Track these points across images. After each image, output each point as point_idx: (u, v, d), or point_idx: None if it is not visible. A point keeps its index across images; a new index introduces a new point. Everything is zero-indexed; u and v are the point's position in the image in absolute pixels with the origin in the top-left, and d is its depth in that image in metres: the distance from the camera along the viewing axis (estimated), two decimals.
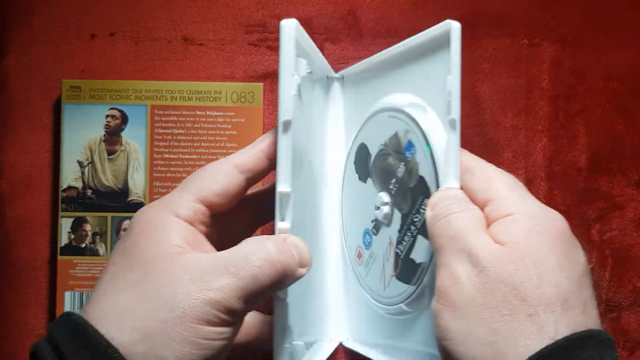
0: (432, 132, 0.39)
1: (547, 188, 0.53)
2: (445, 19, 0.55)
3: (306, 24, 0.55)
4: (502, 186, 0.35)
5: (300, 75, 0.38)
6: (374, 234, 0.46)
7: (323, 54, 0.55)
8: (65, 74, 0.54)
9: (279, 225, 0.37)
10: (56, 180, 0.53)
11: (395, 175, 0.43)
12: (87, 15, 0.55)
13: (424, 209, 0.38)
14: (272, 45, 0.55)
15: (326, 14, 0.55)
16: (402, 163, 0.43)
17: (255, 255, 0.34)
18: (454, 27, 0.38)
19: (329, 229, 0.52)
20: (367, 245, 0.47)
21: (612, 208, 0.53)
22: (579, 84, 0.54)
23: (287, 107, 0.37)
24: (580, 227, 0.53)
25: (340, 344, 0.52)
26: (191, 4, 0.55)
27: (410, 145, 0.42)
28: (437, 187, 0.38)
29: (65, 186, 0.52)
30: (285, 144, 0.37)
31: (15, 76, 0.54)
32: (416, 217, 0.41)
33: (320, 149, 0.51)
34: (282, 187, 0.37)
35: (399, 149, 0.43)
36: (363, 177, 0.48)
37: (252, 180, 0.39)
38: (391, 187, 0.44)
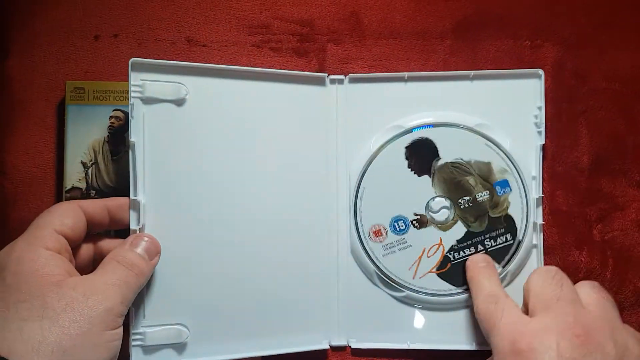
0: (530, 190, 0.52)
1: (549, 189, 0.53)
2: (447, 20, 0.56)
3: (309, 25, 0.55)
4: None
5: (144, 102, 0.47)
6: (415, 227, 0.52)
7: (326, 55, 0.55)
8: (68, 75, 0.54)
9: (132, 227, 0.46)
10: (60, 181, 0.53)
11: (473, 195, 0.52)
12: (90, 16, 0.55)
13: (502, 241, 0.51)
14: (275, 46, 0.55)
15: (329, 15, 0.56)
16: (487, 191, 0.52)
17: (119, 270, 0.42)
18: (541, 73, 0.52)
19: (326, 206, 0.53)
20: (398, 231, 0.52)
21: (614, 209, 0.54)
22: (581, 85, 0.54)
23: (131, 130, 0.46)
24: (582, 227, 0.54)
25: (349, 347, 0.53)
26: (194, 5, 0.55)
27: (505, 183, 0.52)
28: (524, 233, 0.51)
29: (69, 187, 0.52)
30: (132, 161, 0.47)
31: (18, 77, 0.54)
32: (488, 242, 0.52)
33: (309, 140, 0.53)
34: (133, 195, 0.46)
35: (488, 178, 0.52)
36: (418, 170, 0.53)
37: (91, 225, 0.45)
38: (461, 201, 0.52)
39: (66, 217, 0.43)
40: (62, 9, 0.55)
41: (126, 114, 0.52)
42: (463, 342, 0.51)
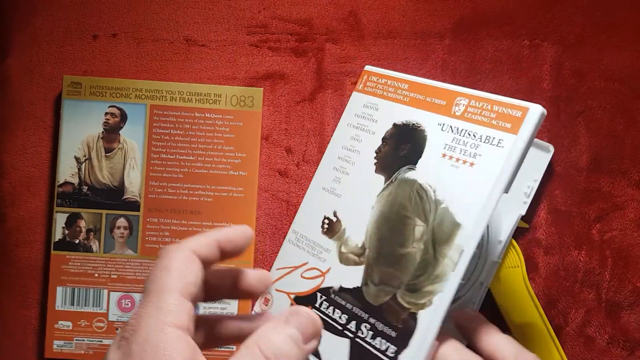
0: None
1: (548, 188, 0.53)
2: (446, 20, 0.56)
3: (307, 24, 0.55)
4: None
5: None
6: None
7: (324, 54, 0.55)
8: (67, 75, 0.55)
9: None
10: (53, 175, 0.53)
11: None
12: (89, 16, 0.55)
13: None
14: (274, 46, 0.55)
15: (327, 15, 0.56)
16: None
17: None
18: (552, 150, 0.46)
19: None
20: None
21: (613, 208, 0.53)
22: (579, 85, 0.54)
23: None
24: (581, 227, 0.53)
25: None
26: (193, 5, 0.56)
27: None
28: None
29: (61, 181, 0.52)
30: None
31: (17, 77, 0.55)
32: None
33: None
34: None
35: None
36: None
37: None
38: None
39: (188, 273, 0.35)
40: (61, 8, 0.55)
41: (122, 111, 0.52)
42: None
